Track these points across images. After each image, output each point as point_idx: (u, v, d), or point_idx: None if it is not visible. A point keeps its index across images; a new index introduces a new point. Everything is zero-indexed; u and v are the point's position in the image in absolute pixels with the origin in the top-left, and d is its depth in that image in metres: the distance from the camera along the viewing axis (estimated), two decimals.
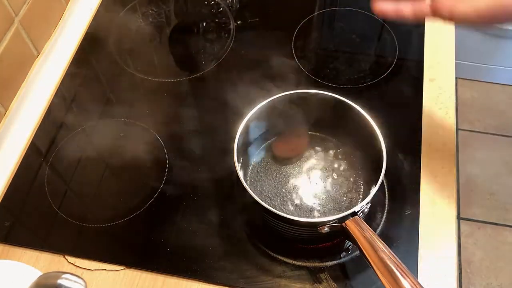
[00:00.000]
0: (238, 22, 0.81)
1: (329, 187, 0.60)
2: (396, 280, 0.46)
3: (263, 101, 0.59)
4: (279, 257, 0.58)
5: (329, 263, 0.58)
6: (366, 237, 0.49)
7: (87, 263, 0.59)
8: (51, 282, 0.43)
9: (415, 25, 0.79)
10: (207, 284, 0.57)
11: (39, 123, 0.71)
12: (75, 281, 0.43)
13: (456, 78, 0.73)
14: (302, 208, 0.59)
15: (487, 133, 1.58)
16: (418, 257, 0.58)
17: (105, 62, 0.78)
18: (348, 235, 0.51)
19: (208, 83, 0.75)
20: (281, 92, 0.59)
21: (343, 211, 0.51)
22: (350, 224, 0.51)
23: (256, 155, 0.63)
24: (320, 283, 0.56)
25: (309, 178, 0.61)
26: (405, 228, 0.60)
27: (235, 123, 0.58)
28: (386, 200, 0.62)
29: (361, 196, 0.59)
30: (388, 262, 0.47)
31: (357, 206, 0.51)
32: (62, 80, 0.76)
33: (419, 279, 0.56)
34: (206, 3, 0.84)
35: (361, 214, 0.52)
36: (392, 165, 0.64)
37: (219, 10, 0.83)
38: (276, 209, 0.52)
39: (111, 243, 0.61)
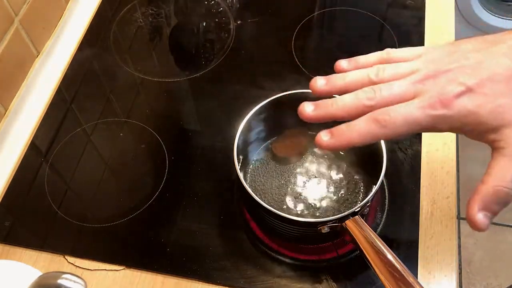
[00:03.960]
0: (238, 22, 0.81)
1: (329, 187, 0.60)
2: (396, 280, 0.46)
3: (263, 101, 0.59)
4: (279, 257, 0.58)
5: (329, 263, 0.58)
6: (366, 237, 0.49)
7: (87, 263, 0.59)
8: (51, 282, 0.43)
9: (415, 24, 0.79)
10: (207, 284, 0.57)
11: (39, 123, 0.71)
12: (75, 281, 0.43)
13: None
14: (302, 208, 0.59)
15: None
16: (418, 257, 0.58)
17: (105, 62, 0.78)
18: (348, 235, 0.51)
19: (208, 83, 0.75)
20: (281, 92, 0.59)
21: (343, 211, 0.51)
22: (350, 224, 0.51)
23: (256, 155, 0.63)
24: (320, 283, 0.56)
25: (309, 178, 0.61)
26: (405, 228, 0.60)
27: (235, 123, 0.58)
28: (386, 200, 0.62)
29: (361, 196, 0.59)
30: (388, 262, 0.47)
31: (357, 206, 0.51)
32: (62, 80, 0.76)
33: (419, 279, 0.56)
34: (206, 3, 0.84)
35: (361, 214, 0.52)
36: (392, 165, 0.64)
37: (219, 10, 0.83)
38: (276, 209, 0.52)
39: (111, 243, 0.61)
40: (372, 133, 0.40)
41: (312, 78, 0.46)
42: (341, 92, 0.44)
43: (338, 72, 0.46)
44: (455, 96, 0.38)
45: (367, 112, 0.41)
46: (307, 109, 0.44)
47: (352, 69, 0.45)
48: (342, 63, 0.46)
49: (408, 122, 0.39)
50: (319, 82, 0.45)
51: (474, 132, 0.39)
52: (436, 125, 0.39)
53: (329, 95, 0.44)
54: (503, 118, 0.37)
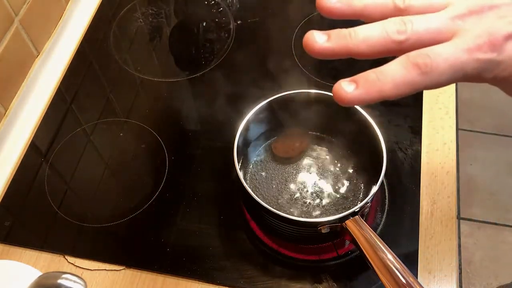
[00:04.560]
0: (238, 22, 0.81)
1: (329, 187, 0.60)
2: (396, 280, 0.46)
3: (263, 101, 0.59)
4: (279, 257, 0.58)
5: (329, 263, 0.58)
6: (366, 237, 0.49)
7: (87, 263, 0.59)
8: (51, 282, 0.43)
9: None
10: (207, 284, 0.57)
11: (39, 123, 0.71)
12: (75, 281, 0.43)
13: None
14: (302, 208, 0.59)
15: (487, 133, 1.58)
16: (418, 257, 0.58)
17: (105, 62, 0.78)
18: (348, 235, 0.51)
19: (208, 83, 0.75)
20: (281, 92, 0.59)
21: (343, 211, 0.51)
22: (350, 224, 0.51)
23: (256, 155, 0.63)
24: (320, 283, 0.56)
25: (309, 178, 0.61)
26: (405, 228, 0.60)
27: (235, 123, 0.58)
28: (386, 200, 0.62)
29: (361, 196, 0.59)
30: (388, 262, 0.47)
31: (357, 206, 0.51)
32: (62, 80, 0.76)
33: (419, 279, 0.56)
34: (206, 3, 0.84)
35: (361, 214, 0.52)
36: (392, 165, 0.64)
37: (219, 10, 0.83)
38: (276, 209, 0.52)
39: (111, 243, 0.61)
40: (410, 82, 0.31)
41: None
42: (357, 16, 0.35)
43: None
44: (505, 37, 0.31)
45: (395, 51, 0.32)
46: (319, 39, 0.33)
47: None
48: None
49: (453, 68, 0.31)
50: None
51: None
52: (482, 73, 0.31)
53: (341, 18, 0.35)
54: None
